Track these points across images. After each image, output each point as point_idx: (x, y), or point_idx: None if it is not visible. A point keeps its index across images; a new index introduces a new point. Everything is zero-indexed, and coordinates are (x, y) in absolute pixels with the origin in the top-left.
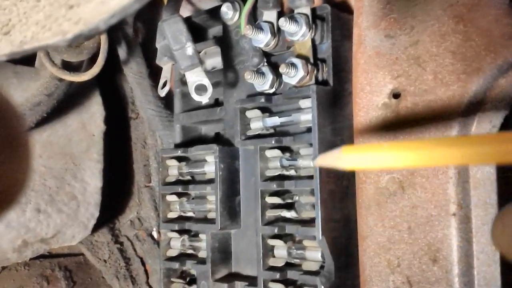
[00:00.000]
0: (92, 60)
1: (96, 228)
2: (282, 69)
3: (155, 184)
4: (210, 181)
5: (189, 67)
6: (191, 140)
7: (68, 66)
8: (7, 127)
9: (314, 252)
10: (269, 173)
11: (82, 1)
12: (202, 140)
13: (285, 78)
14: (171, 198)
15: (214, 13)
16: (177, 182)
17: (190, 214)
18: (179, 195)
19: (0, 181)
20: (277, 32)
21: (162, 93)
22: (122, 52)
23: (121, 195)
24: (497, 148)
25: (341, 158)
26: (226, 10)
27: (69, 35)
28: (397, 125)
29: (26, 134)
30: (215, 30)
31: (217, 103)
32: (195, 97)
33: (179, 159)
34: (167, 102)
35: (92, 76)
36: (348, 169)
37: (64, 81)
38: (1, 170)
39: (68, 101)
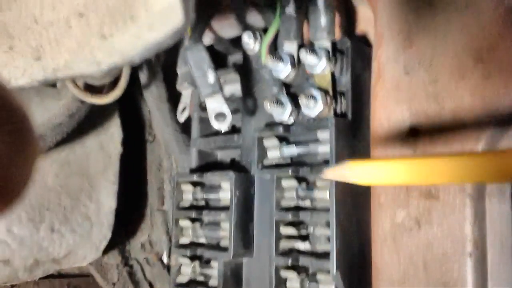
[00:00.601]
0: (114, 82)
1: (106, 249)
2: (302, 100)
3: (168, 207)
4: (225, 208)
5: (210, 94)
6: (207, 165)
7: (90, 88)
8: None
9: (328, 286)
10: (285, 203)
11: (116, 32)
12: (217, 166)
13: (304, 109)
14: (184, 223)
15: (235, 42)
16: (191, 207)
17: (202, 240)
18: (193, 220)
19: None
20: (297, 63)
21: (181, 118)
22: (143, 75)
23: (133, 217)
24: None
25: (348, 172)
26: (248, 40)
27: (104, 66)
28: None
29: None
30: (235, 57)
31: (234, 129)
32: (215, 124)
33: (195, 184)
34: (184, 126)
35: (114, 99)
36: (356, 183)
37: (85, 102)
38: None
39: (87, 121)
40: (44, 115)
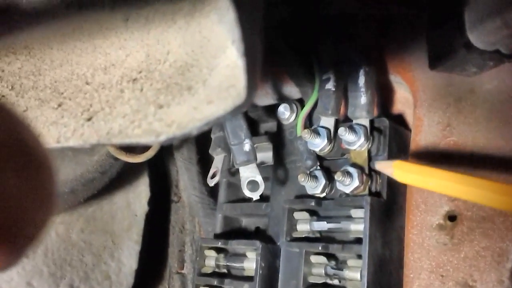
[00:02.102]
0: None
1: None
2: (338, 176)
3: (187, 271)
4: (248, 278)
5: (244, 162)
6: (231, 231)
7: (123, 146)
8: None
9: None
10: (312, 280)
11: (172, 102)
12: (242, 233)
13: (338, 185)
14: None
15: (270, 110)
16: (213, 274)
17: None
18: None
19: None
20: (333, 138)
21: (211, 182)
22: None
23: (151, 278)
24: None
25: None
26: (283, 110)
27: (162, 137)
28: (451, 248)
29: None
30: (268, 125)
31: (262, 197)
32: (247, 192)
33: (218, 250)
34: (211, 190)
35: (146, 158)
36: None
37: (119, 160)
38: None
39: (117, 178)
40: (77, 170)
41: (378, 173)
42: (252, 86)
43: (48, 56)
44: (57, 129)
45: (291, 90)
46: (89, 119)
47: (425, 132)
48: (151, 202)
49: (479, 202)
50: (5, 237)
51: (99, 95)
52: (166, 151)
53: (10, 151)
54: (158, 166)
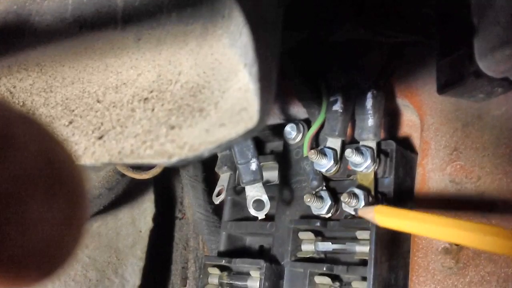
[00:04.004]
0: None
1: None
2: (344, 198)
3: None
4: None
5: (251, 181)
6: (235, 250)
7: None
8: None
9: None
10: None
11: (184, 124)
12: (245, 251)
13: (344, 206)
14: None
15: (276, 130)
16: None
17: None
18: None
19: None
20: (339, 159)
21: (217, 200)
22: None
23: None
24: None
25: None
26: (290, 130)
27: (174, 159)
28: (456, 272)
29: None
30: (274, 145)
31: (266, 217)
32: (252, 211)
33: (222, 268)
34: (215, 207)
35: (153, 175)
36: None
37: (125, 176)
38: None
39: (123, 195)
40: None
41: (384, 194)
42: (265, 110)
43: (59, 74)
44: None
45: (298, 110)
46: (100, 138)
47: (432, 155)
48: (156, 218)
49: (469, 246)
50: (35, 261)
51: (110, 113)
52: (172, 168)
53: (41, 168)
54: (163, 182)
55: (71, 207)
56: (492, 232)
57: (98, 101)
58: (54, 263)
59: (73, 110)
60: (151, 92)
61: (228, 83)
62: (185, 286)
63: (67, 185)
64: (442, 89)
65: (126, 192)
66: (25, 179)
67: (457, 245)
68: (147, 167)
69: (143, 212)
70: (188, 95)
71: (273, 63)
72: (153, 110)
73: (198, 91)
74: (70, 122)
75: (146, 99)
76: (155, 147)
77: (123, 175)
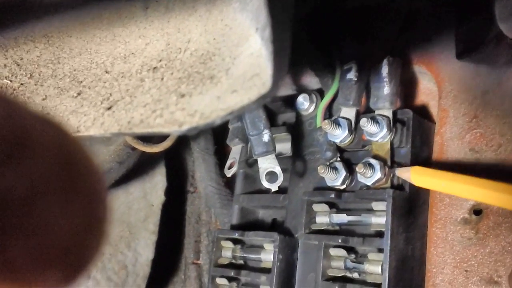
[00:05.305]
0: None
1: None
2: (359, 168)
3: (203, 262)
4: (265, 270)
5: (263, 153)
6: (248, 223)
7: (141, 136)
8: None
9: None
10: (331, 273)
11: (194, 91)
12: (258, 224)
13: (359, 177)
14: (221, 281)
15: (288, 101)
16: (230, 266)
17: None
18: (230, 279)
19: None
20: (354, 129)
21: (229, 173)
22: None
23: (167, 268)
24: None
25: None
26: (302, 101)
27: (185, 127)
28: (476, 243)
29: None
30: (286, 116)
31: (279, 189)
32: (265, 184)
33: (235, 241)
34: (227, 181)
35: (164, 148)
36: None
37: (136, 150)
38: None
39: (134, 168)
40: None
41: (400, 165)
42: (278, 75)
43: (67, 45)
44: (77, 118)
45: (311, 80)
46: (109, 108)
47: (450, 123)
48: (168, 192)
49: (501, 206)
50: (54, 267)
51: (118, 84)
52: (183, 141)
53: (58, 172)
54: (174, 156)
55: (90, 211)
56: None
57: (107, 72)
58: (75, 268)
59: (81, 81)
60: (160, 61)
61: (239, 49)
62: (198, 259)
63: (86, 189)
64: (461, 54)
65: (137, 166)
66: (42, 183)
67: (477, 215)
68: (158, 140)
69: (155, 186)
70: (198, 62)
71: (286, 28)
72: (162, 79)
73: (208, 58)
74: (79, 94)
75: (155, 68)
76: (165, 116)
77: (133, 149)
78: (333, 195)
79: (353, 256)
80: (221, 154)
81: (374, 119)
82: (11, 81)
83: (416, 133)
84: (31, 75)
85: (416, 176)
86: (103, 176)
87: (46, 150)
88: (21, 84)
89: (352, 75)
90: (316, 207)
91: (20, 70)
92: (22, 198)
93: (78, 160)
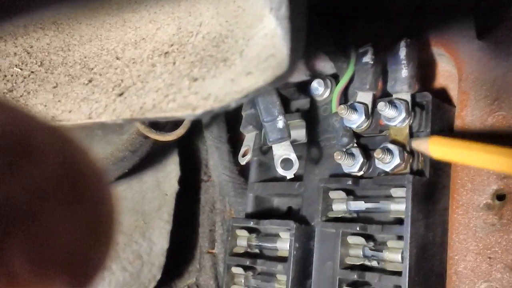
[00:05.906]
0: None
1: None
2: (377, 154)
3: (218, 251)
4: (281, 259)
5: (278, 140)
6: (263, 211)
7: (154, 124)
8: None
9: None
10: (349, 261)
11: (207, 75)
12: (273, 213)
13: (377, 163)
14: (237, 270)
15: (301, 87)
16: (245, 255)
17: None
18: (245, 268)
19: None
20: (371, 114)
21: (243, 161)
22: None
23: (182, 257)
24: None
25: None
26: (317, 86)
27: (199, 111)
28: (499, 229)
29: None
30: (300, 103)
31: (294, 177)
32: (280, 171)
33: (250, 230)
34: (241, 169)
35: (177, 137)
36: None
37: (149, 138)
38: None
39: (147, 157)
40: (107, 149)
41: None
42: (295, 55)
43: (77, 32)
44: (88, 105)
45: (325, 65)
46: (120, 94)
47: (471, 107)
48: (180, 181)
49: None
50: (60, 275)
51: (130, 70)
52: (196, 129)
53: (62, 178)
54: (188, 145)
55: (96, 218)
56: None
57: (117, 58)
58: (82, 276)
59: (92, 68)
60: (172, 45)
61: (253, 30)
62: (213, 248)
63: (89, 194)
64: (481, 34)
65: (150, 154)
66: (45, 190)
67: (500, 200)
68: (170, 129)
69: (168, 174)
70: (211, 45)
71: (301, 6)
72: (174, 63)
73: (221, 41)
74: (90, 81)
75: (166, 53)
76: (178, 100)
77: (146, 138)
78: (350, 182)
79: (371, 244)
80: (234, 142)
81: (392, 103)
82: (21, 69)
83: (436, 117)
84: (41, 63)
85: (434, 147)
86: (106, 178)
87: (48, 156)
88: (32, 72)
89: (368, 58)
90: (332, 194)
91: (30, 58)
92: (24, 206)
93: (80, 165)
